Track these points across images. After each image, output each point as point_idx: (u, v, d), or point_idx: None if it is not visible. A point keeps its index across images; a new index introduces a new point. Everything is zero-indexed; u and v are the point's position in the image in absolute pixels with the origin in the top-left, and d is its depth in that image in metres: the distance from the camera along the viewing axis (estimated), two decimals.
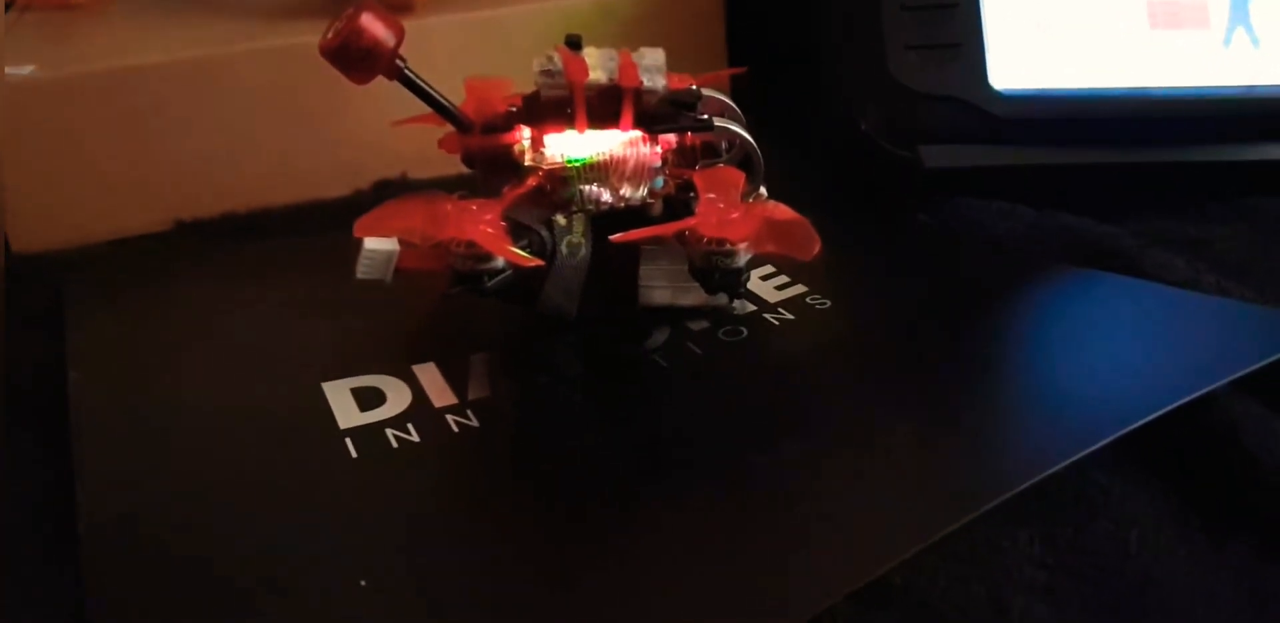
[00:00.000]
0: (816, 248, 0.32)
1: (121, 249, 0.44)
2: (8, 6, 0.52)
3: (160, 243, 0.45)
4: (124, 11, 0.52)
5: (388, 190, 0.47)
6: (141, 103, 0.44)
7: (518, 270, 0.32)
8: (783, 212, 0.33)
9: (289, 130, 0.46)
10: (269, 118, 0.46)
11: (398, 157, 0.47)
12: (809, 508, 0.28)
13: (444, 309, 0.38)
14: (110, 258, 0.43)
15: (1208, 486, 0.29)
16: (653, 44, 0.33)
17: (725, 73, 0.46)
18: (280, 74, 0.45)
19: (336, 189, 0.47)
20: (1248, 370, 0.30)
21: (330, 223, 0.43)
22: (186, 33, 0.48)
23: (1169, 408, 0.28)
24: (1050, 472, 0.27)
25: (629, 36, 0.49)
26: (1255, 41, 0.43)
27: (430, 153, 0.36)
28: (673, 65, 0.33)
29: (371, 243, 0.33)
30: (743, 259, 0.32)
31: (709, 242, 0.32)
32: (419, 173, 0.47)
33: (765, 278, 0.39)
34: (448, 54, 0.47)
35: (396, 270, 0.33)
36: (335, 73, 0.32)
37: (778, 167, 0.36)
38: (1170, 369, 0.31)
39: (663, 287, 0.36)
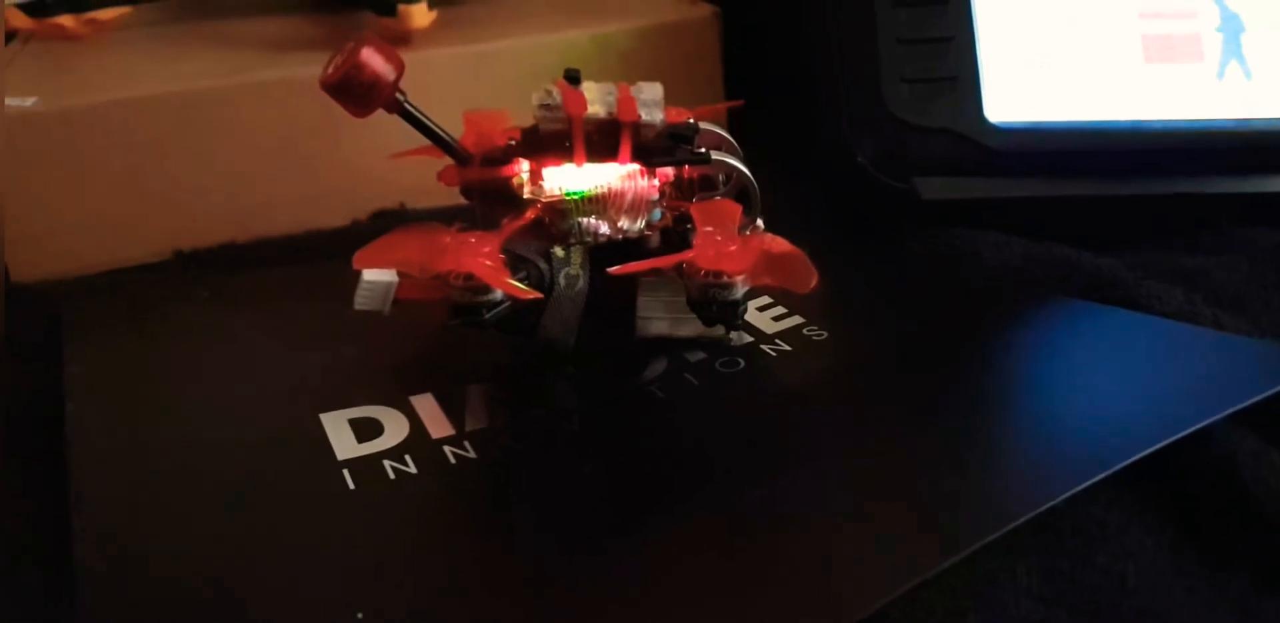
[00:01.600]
0: (814, 281, 0.32)
1: (120, 279, 0.44)
2: (9, 38, 0.53)
3: (159, 273, 0.45)
4: (125, 43, 0.52)
5: (385, 220, 0.47)
6: (141, 134, 0.45)
7: (515, 303, 0.32)
8: (780, 244, 0.33)
9: (287, 161, 0.47)
10: (268, 149, 0.46)
11: (395, 187, 0.47)
12: (805, 541, 0.27)
13: (441, 340, 0.37)
14: (109, 287, 0.43)
15: (1205, 519, 0.29)
16: (650, 77, 0.34)
17: (722, 106, 0.46)
18: (279, 106, 0.46)
19: (334, 219, 0.47)
20: (1245, 404, 0.30)
21: (328, 253, 0.43)
22: (187, 65, 0.48)
23: (1166, 442, 0.28)
24: (1047, 506, 0.27)
25: (627, 69, 0.50)
26: (1248, 74, 0.43)
27: (427, 184, 0.36)
28: (670, 98, 0.34)
29: (370, 274, 0.33)
30: (740, 291, 0.32)
31: (706, 274, 0.32)
32: (417, 203, 0.47)
33: (762, 309, 0.39)
34: (445, 86, 0.48)
35: (395, 301, 0.33)
36: (334, 105, 0.32)
37: (775, 198, 0.36)
38: (1167, 403, 0.31)
39: (660, 318, 0.36)
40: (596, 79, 0.34)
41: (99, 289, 0.43)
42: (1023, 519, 0.26)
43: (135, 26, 0.54)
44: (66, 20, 0.52)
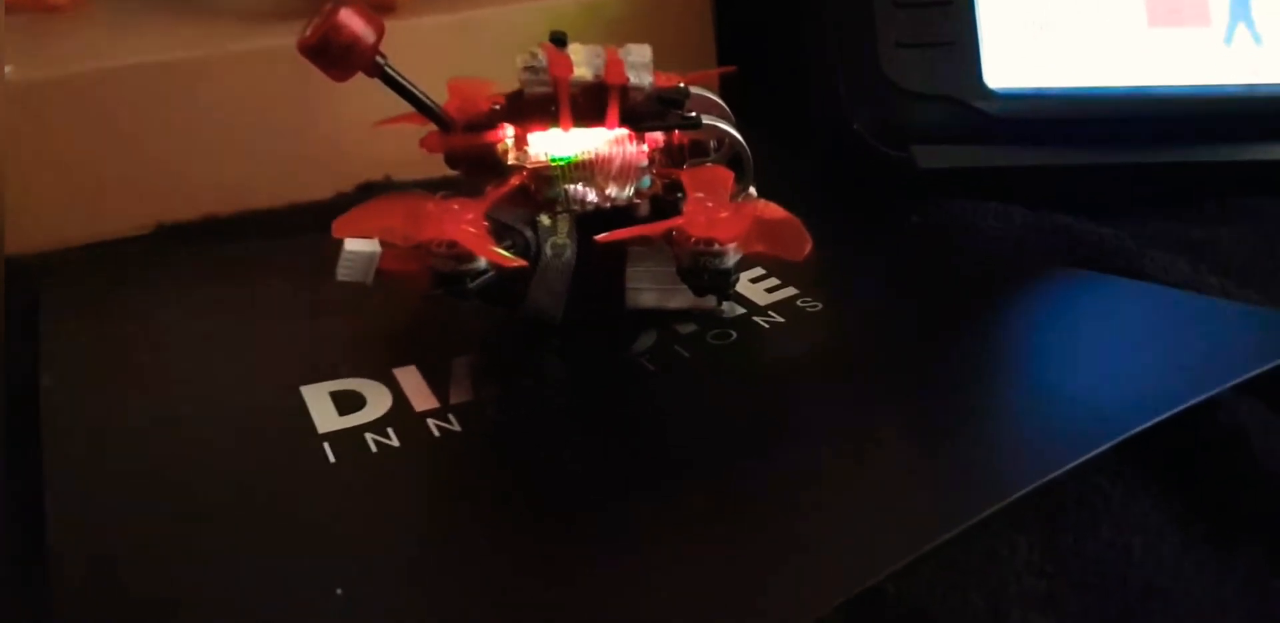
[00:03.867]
0: (808, 248, 0.31)
1: (101, 252, 0.43)
2: None
3: (140, 246, 0.44)
4: (104, 14, 0.51)
5: (371, 192, 0.46)
6: (121, 105, 0.44)
7: (500, 271, 0.31)
8: (773, 211, 0.32)
9: (270, 132, 0.46)
10: (250, 120, 0.45)
11: (381, 158, 0.46)
12: (800, 515, 0.27)
13: (426, 311, 0.37)
14: (89, 261, 0.43)
15: (1213, 491, 0.28)
16: (641, 42, 0.33)
17: (714, 72, 0.45)
18: (261, 76, 0.45)
19: (319, 191, 0.46)
20: (1253, 374, 0.29)
21: (313, 225, 0.42)
22: (166, 35, 0.47)
23: (1173, 412, 0.27)
24: (1050, 478, 0.26)
25: (616, 36, 0.48)
26: (1257, 38, 0.42)
27: (413, 155, 0.35)
28: (661, 64, 0.33)
29: (352, 244, 0.32)
30: (732, 260, 0.31)
31: (697, 242, 0.31)
32: (402, 175, 0.46)
33: (755, 280, 0.38)
34: (431, 54, 0.46)
35: (378, 272, 0.33)
36: (317, 74, 0.31)
37: (768, 166, 0.35)
38: (1173, 373, 0.30)
39: (650, 289, 0.35)
40: (585, 44, 0.33)
41: (79, 263, 0.42)
42: (1025, 491, 0.25)
43: None
44: None
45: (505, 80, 0.34)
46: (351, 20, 0.31)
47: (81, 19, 0.50)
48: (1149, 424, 0.27)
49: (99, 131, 0.44)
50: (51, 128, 0.43)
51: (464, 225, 0.31)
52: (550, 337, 0.35)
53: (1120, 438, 0.27)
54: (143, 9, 0.52)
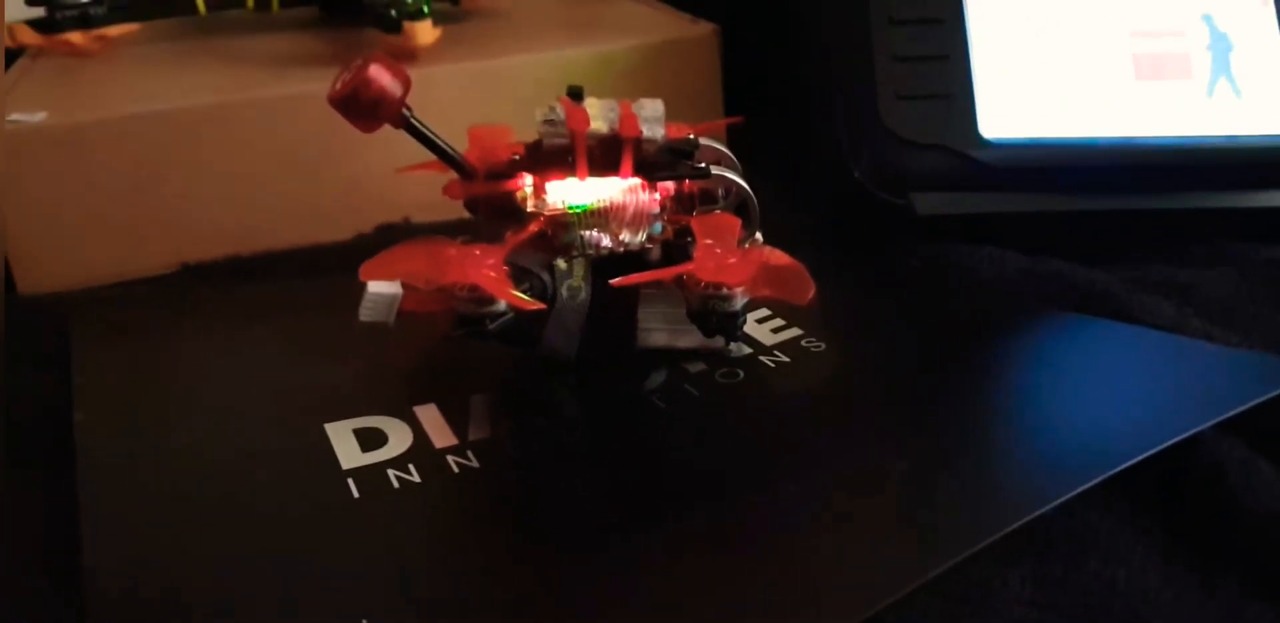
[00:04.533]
0: (811, 292, 0.33)
1: (127, 291, 0.45)
2: (18, 53, 0.54)
3: (165, 285, 0.45)
4: (133, 60, 0.53)
5: (390, 234, 0.47)
6: (149, 149, 0.45)
7: (519, 313, 0.33)
8: (778, 257, 0.34)
9: (293, 176, 0.47)
10: (274, 164, 0.47)
11: (400, 202, 0.48)
12: (803, 549, 0.28)
13: (445, 351, 0.38)
14: (116, 299, 0.44)
15: (1195, 525, 0.29)
16: (651, 93, 0.34)
17: (722, 122, 0.47)
18: (286, 122, 0.46)
19: (340, 233, 0.48)
20: (1232, 413, 0.30)
21: (334, 266, 0.44)
22: (194, 81, 0.49)
23: (1156, 449, 0.29)
24: (1040, 512, 0.27)
25: (628, 86, 0.51)
26: (1237, 92, 0.44)
27: (432, 198, 0.37)
28: (671, 114, 0.34)
29: (375, 286, 0.34)
30: (739, 303, 0.33)
31: (706, 286, 0.32)
32: (421, 217, 0.48)
33: (761, 321, 0.39)
34: (450, 102, 0.48)
35: (399, 313, 0.34)
36: (339, 120, 0.33)
37: (773, 212, 0.36)
38: (1157, 411, 0.32)
39: (660, 329, 0.37)
40: (598, 95, 0.34)
41: (107, 301, 0.44)
42: (1016, 525, 0.27)
43: (143, 43, 0.55)
44: (75, 36, 0.52)
45: (521, 125, 0.35)
46: (381, 75, 0.32)
47: (109, 64, 0.52)
48: (1133, 462, 0.28)
49: (126, 174, 0.45)
50: (80, 170, 0.45)
51: (485, 270, 0.32)
52: (565, 375, 0.36)
53: (1106, 475, 0.28)
54: (168, 55, 0.54)
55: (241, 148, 0.47)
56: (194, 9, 0.57)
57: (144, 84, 0.49)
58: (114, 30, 0.54)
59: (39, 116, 0.44)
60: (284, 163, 0.47)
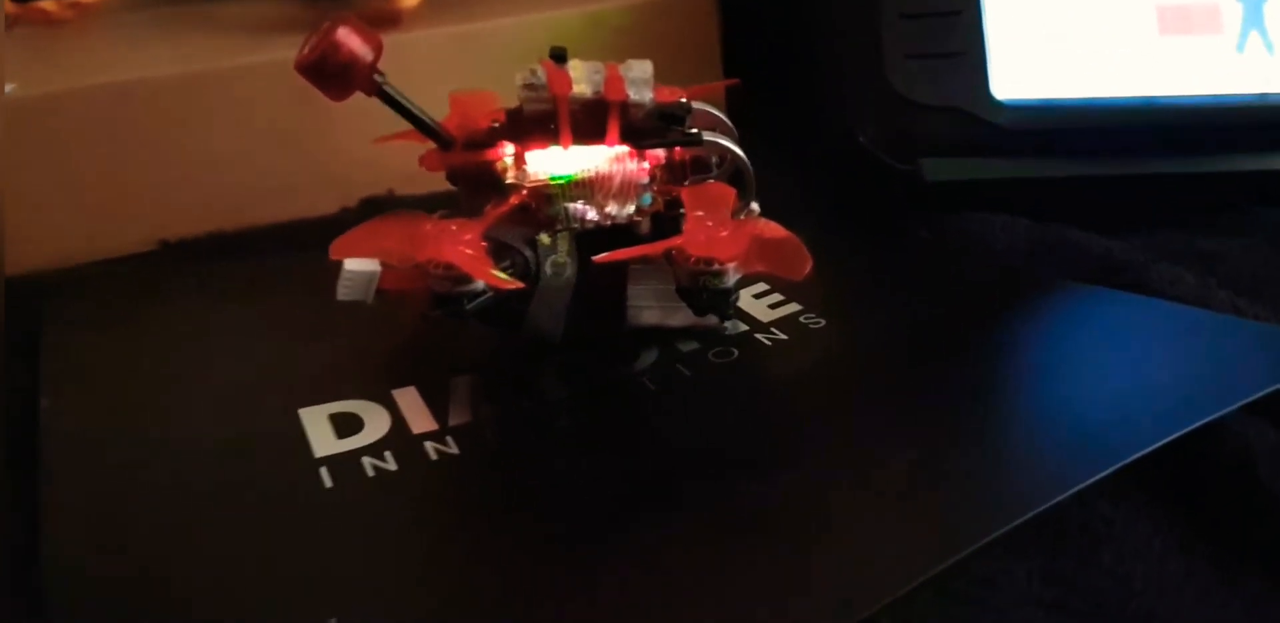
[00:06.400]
0: (808, 267, 0.31)
1: (105, 270, 0.43)
2: None
3: (144, 263, 0.44)
4: (108, 27, 0.51)
5: (374, 207, 0.46)
6: (125, 120, 0.44)
7: (499, 292, 0.31)
8: (773, 229, 0.32)
9: (275, 148, 0.46)
10: (254, 135, 0.45)
11: (384, 173, 0.46)
12: (798, 541, 0.26)
13: (427, 331, 0.36)
14: (93, 279, 0.43)
15: (1217, 517, 0.28)
16: (645, 55, 0.32)
17: (718, 85, 0.45)
18: (265, 91, 0.45)
19: (323, 207, 0.46)
20: (1261, 394, 0.28)
21: (317, 241, 0.42)
22: (170, 49, 0.47)
23: (1178, 435, 0.27)
24: (1051, 504, 0.25)
25: (621, 47, 0.48)
26: (1270, 47, 0.42)
27: (416, 170, 0.35)
28: (666, 76, 0.32)
29: (352, 264, 0.32)
30: (731, 279, 0.31)
31: (696, 261, 0.31)
32: (406, 190, 0.46)
33: (758, 296, 0.37)
34: (435, 67, 0.46)
35: (378, 291, 0.32)
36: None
37: (775, 180, 0.35)
38: (1179, 393, 0.30)
39: (651, 307, 0.35)
40: (591, 58, 0.32)
41: (83, 281, 0.42)
42: (1025, 518, 0.25)
43: (119, 10, 0.53)
44: (49, 4, 0.51)
45: (510, 91, 0.33)
46: (349, 39, 0.30)
47: (84, 33, 0.51)
48: (1152, 448, 0.26)
49: (102, 147, 0.44)
50: (54, 143, 0.43)
51: (461, 247, 0.30)
52: (551, 355, 0.35)
53: (1123, 463, 0.26)
54: (145, 22, 0.52)
55: (221, 119, 0.45)
56: None
57: (118, 53, 0.47)
58: None
59: (9, 88, 0.43)
60: (265, 134, 0.45)
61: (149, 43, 0.48)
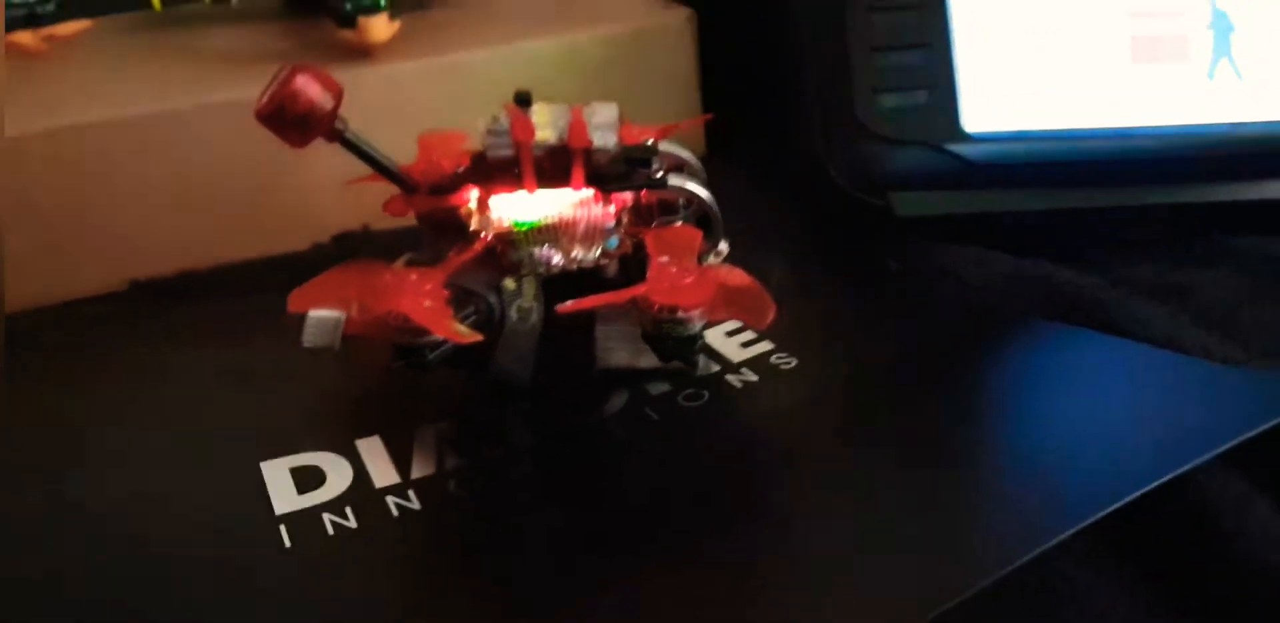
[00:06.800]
0: (771, 316, 0.30)
1: (72, 311, 0.43)
2: None
3: (112, 304, 0.43)
4: (83, 61, 0.51)
5: (348, 243, 0.45)
6: (94, 158, 0.43)
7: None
8: (737, 277, 0.31)
9: (246, 184, 0.45)
10: (225, 172, 0.45)
11: (358, 209, 0.45)
12: (760, 604, 0.26)
13: (395, 377, 0.36)
14: (58, 322, 0.42)
15: (1184, 575, 0.27)
16: (624, 84, 0.32)
17: (692, 121, 0.44)
18: (235, 127, 0.44)
19: (296, 243, 0.46)
20: (1231, 444, 0.28)
21: (288, 279, 0.41)
22: (143, 84, 0.46)
23: (1143, 491, 0.27)
24: (1011, 568, 0.25)
25: (600, 77, 0.48)
26: (1239, 74, 0.41)
27: None
28: (646, 106, 0.32)
29: (317, 310, 0.32)
30: (696, 327, 0.30)
31: (660, 308, 0.30)
32: (380, 224, 0.46)
33: (730, 334, 0.37)
34: (408, 101, 0.46)
35: (345, 337, 0.32)
36: None
37: (748, 214, 0.34)
38: (1146, 444, 0.29)
39: (620, 348, 0.35)
40: (567, 89, 0.32)
41: (48, 324, 0.42)
42: (985, 583, 0.24)
43: (95, 41, 0.53)
44: (24, 37, 0.50)
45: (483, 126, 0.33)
46: (308, 87, 0.30)
47: (59, 67, 0.50)
48: (1113, 508, 0.26)
49: (70, 185, 0.43)
50: (20, 182, 0.42)
51: (421, 298, 0.30)
52: (519, 401, 0.34)
53: (1087, 522, 0.26)
54: (120, 55, 0.52)
55: (191, 156, 0.44)
56: (149, 3, 0.54)
57: (89, 88, 0.47)
58: (64, 29, 0.51)
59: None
60: (236, 170, 0.45)
61: (121, 77, 0.48)
